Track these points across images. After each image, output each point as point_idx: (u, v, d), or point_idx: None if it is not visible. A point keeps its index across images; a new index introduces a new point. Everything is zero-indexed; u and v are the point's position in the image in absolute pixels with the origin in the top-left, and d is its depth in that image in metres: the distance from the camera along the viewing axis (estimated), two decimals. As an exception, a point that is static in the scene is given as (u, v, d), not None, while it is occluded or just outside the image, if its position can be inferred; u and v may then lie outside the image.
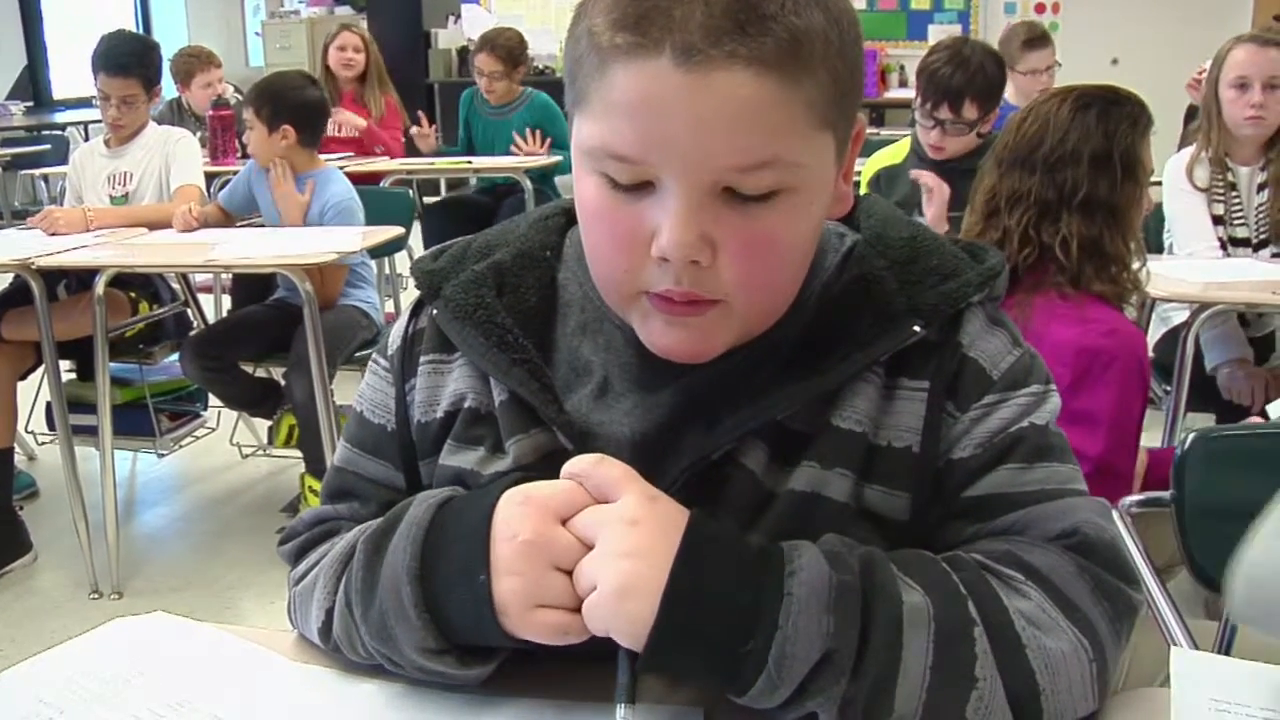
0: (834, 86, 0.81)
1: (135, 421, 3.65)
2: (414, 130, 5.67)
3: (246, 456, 3.94)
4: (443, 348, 0.99)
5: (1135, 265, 1.90)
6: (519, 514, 0.81)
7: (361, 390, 1.05)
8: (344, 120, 5.50)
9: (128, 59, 3.77)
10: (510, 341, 0.93)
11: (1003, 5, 8.55)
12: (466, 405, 0.95)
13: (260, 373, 3.65)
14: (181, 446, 3.82)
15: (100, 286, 3.03)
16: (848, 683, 0.76)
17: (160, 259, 3.34)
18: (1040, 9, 8.59)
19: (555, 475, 0.84)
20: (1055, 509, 0.87)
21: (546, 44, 8.41)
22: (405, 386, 1.00)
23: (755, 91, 0.77)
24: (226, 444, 3.94)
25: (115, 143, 3.90)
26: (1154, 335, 2.91)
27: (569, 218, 1.02)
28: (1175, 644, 1.55)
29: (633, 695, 0.80)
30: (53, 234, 3.54)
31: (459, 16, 8.71)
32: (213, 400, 3.90)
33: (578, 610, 0.79)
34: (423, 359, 0.99)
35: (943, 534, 0.90)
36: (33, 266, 3.06)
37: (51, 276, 3.47)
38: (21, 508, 3.56)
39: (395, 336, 1.03)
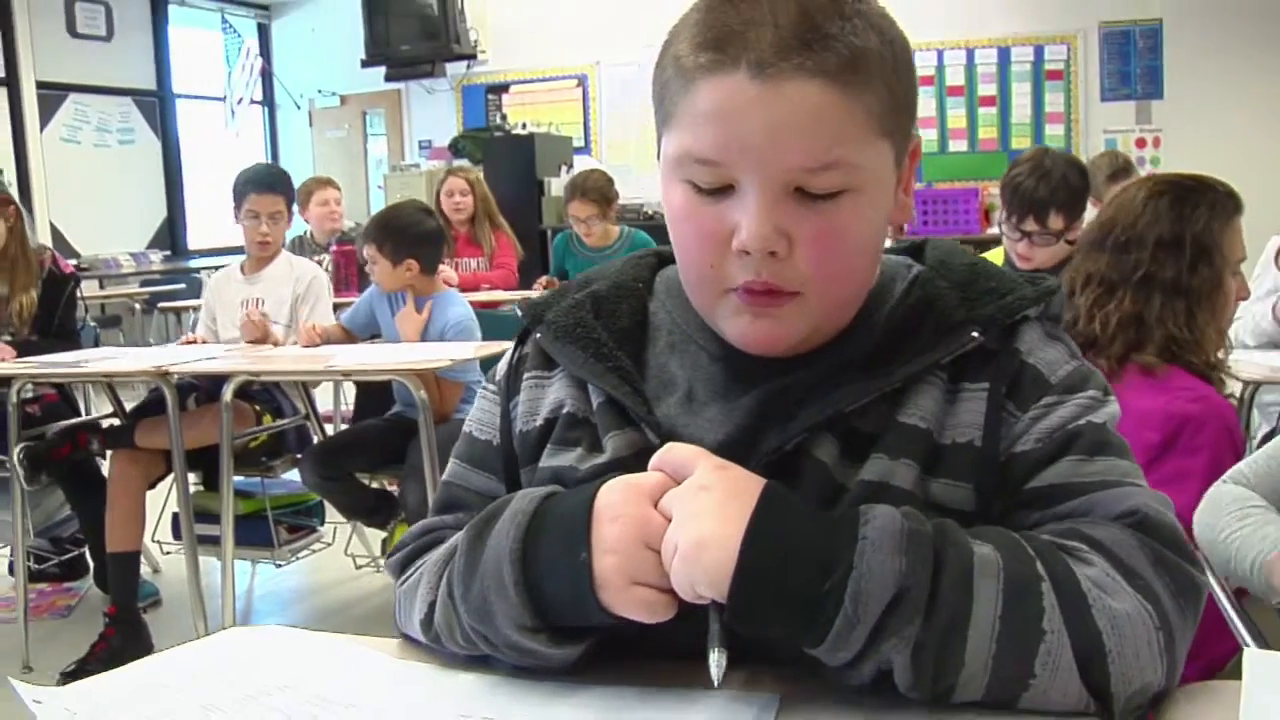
0: (890, 98, 0.92)
1: (255, 532, 3.76)
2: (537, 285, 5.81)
3: (360, 568, 4.02)
4: (544, 365, 1.09)
5: (1219, 351, 1.92)
6: (620, 498, 0.88)
7: (471, 414, 1.15)
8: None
9: (274, 178, 4.12)
10: (605, 354, 1.03)
11: (1104, 140, 8.60)
12: (565, 411, 1.04)
13: (376, 484, 3.76)
14: (298, 558, 3.92)
15: (228, 394, 3.18)
16: (921, 623, 0.79)
17: (283, 369, 3.49)
18: (1141, 143, 8.63)
19: (645, 469, 0.92)
20: (1116, 494, 0.91)
21: (654, 189, 8.61)
22: (510, 404, 1.10)
23: (821, 99, 0.88)
24: (342, 558, 4.04)
25: (250, 269, 4.12)
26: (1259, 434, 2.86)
27: (660, 259, 1.13)
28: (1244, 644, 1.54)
29: (724, 641, 0.83)
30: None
31: (571, 165, 9.01)
32: (329, 515, 4.02)
33: (669, 592, 0.85)
34: (526, 377, 1.09)
35: (1008, 523, 0.93)
36: (166, 373, 3.22)
37: (183, 390, 3.66)
38: (145, 610, 3.68)
39: (503, 363, 1.14)
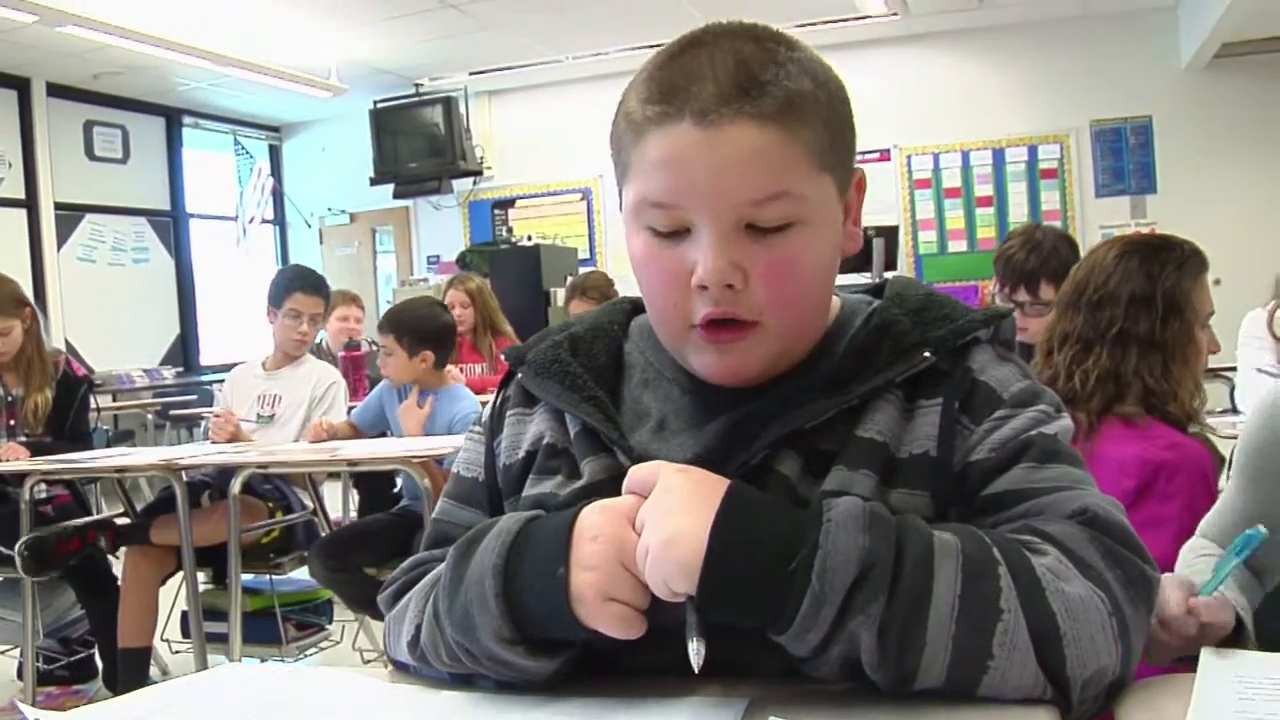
0: (827, 135, 1.00)
1: (263, 629, 3.78)
2: None
3: (368, 662, 4.03)
4: (525, 403, 1.16)
5: (1194, 399, 1.97)
6: (599, 519, 0.94)
7: (459, 455, 1.22)
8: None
9: (320, 281, 4.26)
10: (581, 385, 1.11)
11: (1100, 234, 8.68)
12: (545, 441, 1.11)
13: (383, 577, 3.77)
14: (306, 656, 3.93)
15: (236, 486, 3.24)
16: (885, 601, 0.83)
17: (290, 460, 3.55)
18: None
19: (620, 492, 0.97)
20: (1067, 496, 0.95)
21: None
22: (494, 442, 1.17)
23: (760, 138, 0.95)
24: (350, 654, 4.04)
25: (273, 365, 4.22)
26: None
27: (634, 306, 1.21)
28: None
29: (702, 631, 0.88)
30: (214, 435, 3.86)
31: (576, 275, 9.12)
32: (338, 615, 4.03)
33: (642, 611, 0.91)
34: (509, 414, 1.17)
35: None
36: (176, 467, 3.28)
37: (196, 487, 3.72)
38: (152, 710, 3.67)
39: (488, 406, 1.22)
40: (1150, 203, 8.93)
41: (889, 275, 1.19)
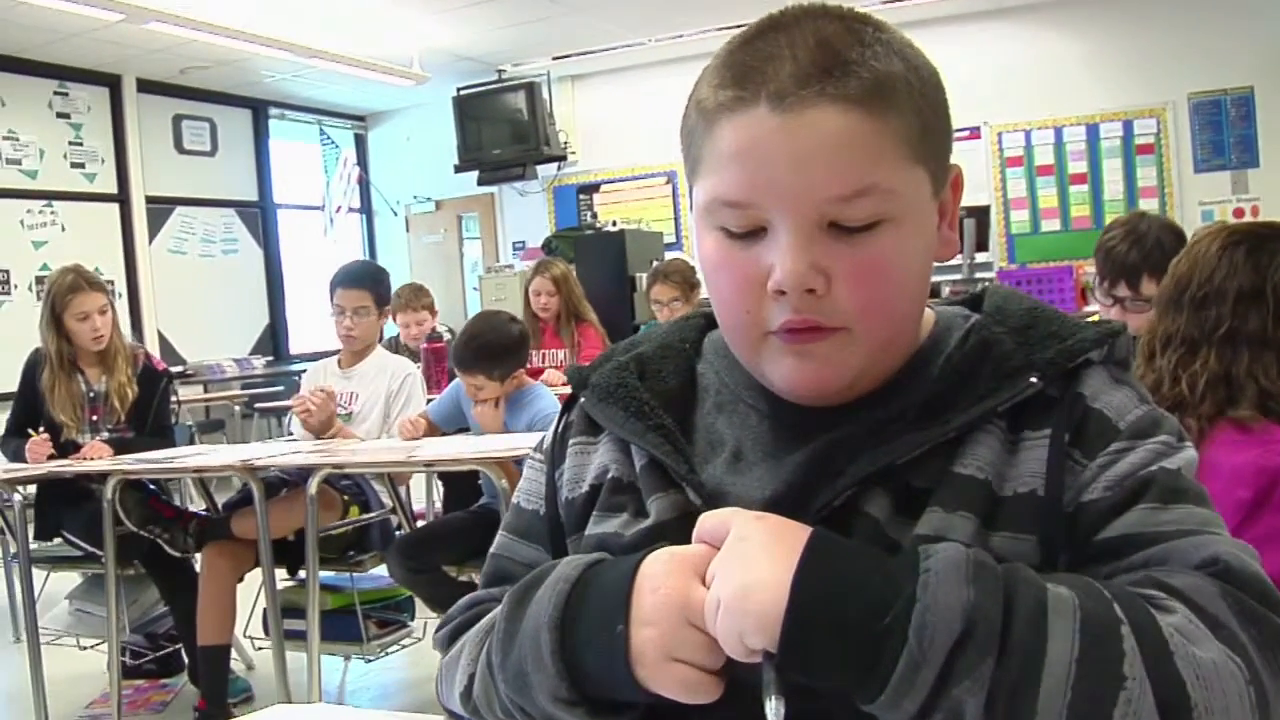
0: (919, 123, 0.88)
1: (344, 627, 3.76)
2: None
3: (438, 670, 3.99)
4: (589, 430, 1.06)
5: None
6: (663, 570, 0.84)
7: (519, 485, 1.12)
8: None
9: (360, 275, 4.24)
10: (647, 413, 1.00)
11: (1200, 212, 8.44)
12: (610, 476, 1.01)
13: (464, 577, 3.74)
14: (387, 653, 3.91)
15: (313, 487, 3.21)
16: (993, 663, 0.73)
17: (367, 460, 3.52)
18: (1239, 214, 8.42)
19: (691, 533, 0.87)
20: (1194, 542, 0.83)
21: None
22: (555, 473, 1.07)
23: (845, 124, 0.85)
24: (433, 652, 3.99)
25: (347, 361, 4.21)
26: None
27: (708, 320, 1.09)
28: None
29: (781, 689, 0.78)
30: (303, 412, 3.88)
31: (662, 260, 9.05)
32: (420, 611, 4.01)
33: (713, 673, 0.82)
34: (571, 443, 1.07)
35: None
36: (253, 468, 3.27)
37: (274, 484, 3.72)
38: (236, 706, 3.70)
39: (549, 432, 1.12)
40: (1252, 177, 8.59)
41: (985, 283, 1.04)
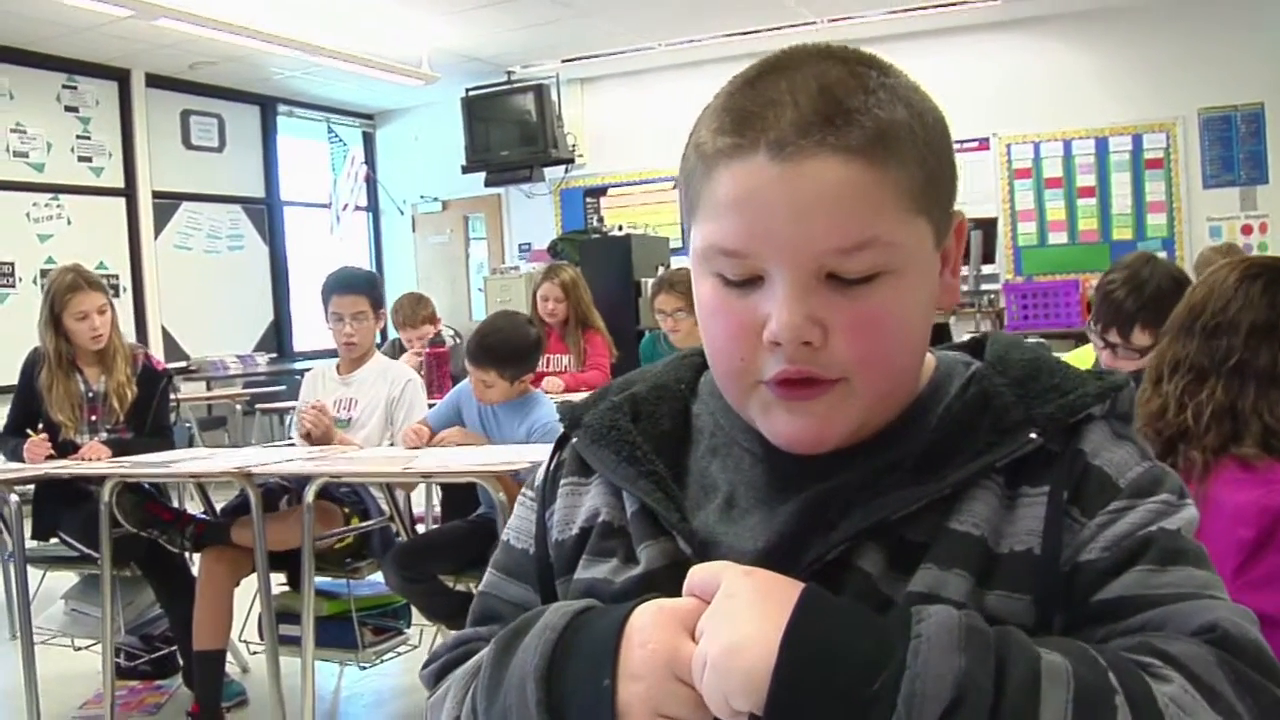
0: (922, 173, 0.86)
1: (339, 634, 3.74)
2: None
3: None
4: (581, 471, 1.04)
5: None
6: (651, 623, 0.82)
7: (510, 522, 1.10)
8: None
9: (356, 280, 4.22)
10: (639, 457, 0.98)
11: (1208, 228, 8.42)
12: (600, 519, 0.99)
13: (461, 586, 3.73)
14: (382, 660, 3.89)
15: (310, 495, 3.20)
16: None
17: (364, 470, 3.51)
18: (1247, 230, 8.41)
19: (681, 582, 0.85)
20: (1192, 607, 0.81)
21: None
22: (546, 513, 1.05)
23: (845, 175, 0.82)
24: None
25: (345, 368, 4.20)
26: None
27: (704, 360, 1.07)
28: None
29: None
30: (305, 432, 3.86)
31: (668, 266, 9.05)
32: (416, 618, 3.99)
33: None
34: (563, 483, 1.04)
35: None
36: (249, 474, 3.26)
37: (274, 491, 3.71)
38: (230, 710, 3.69)
39: (541, 469, 1.09)
40: (1261, 194, 8.58)
41: (988, 330, 1.00)
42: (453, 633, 1.10)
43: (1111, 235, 8.89)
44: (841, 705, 0.74)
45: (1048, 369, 0.94)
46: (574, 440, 1.05)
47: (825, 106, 0.83)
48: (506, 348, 3.79)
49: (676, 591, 0.86)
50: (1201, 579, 0.84)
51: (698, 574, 0.84)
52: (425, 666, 1.07)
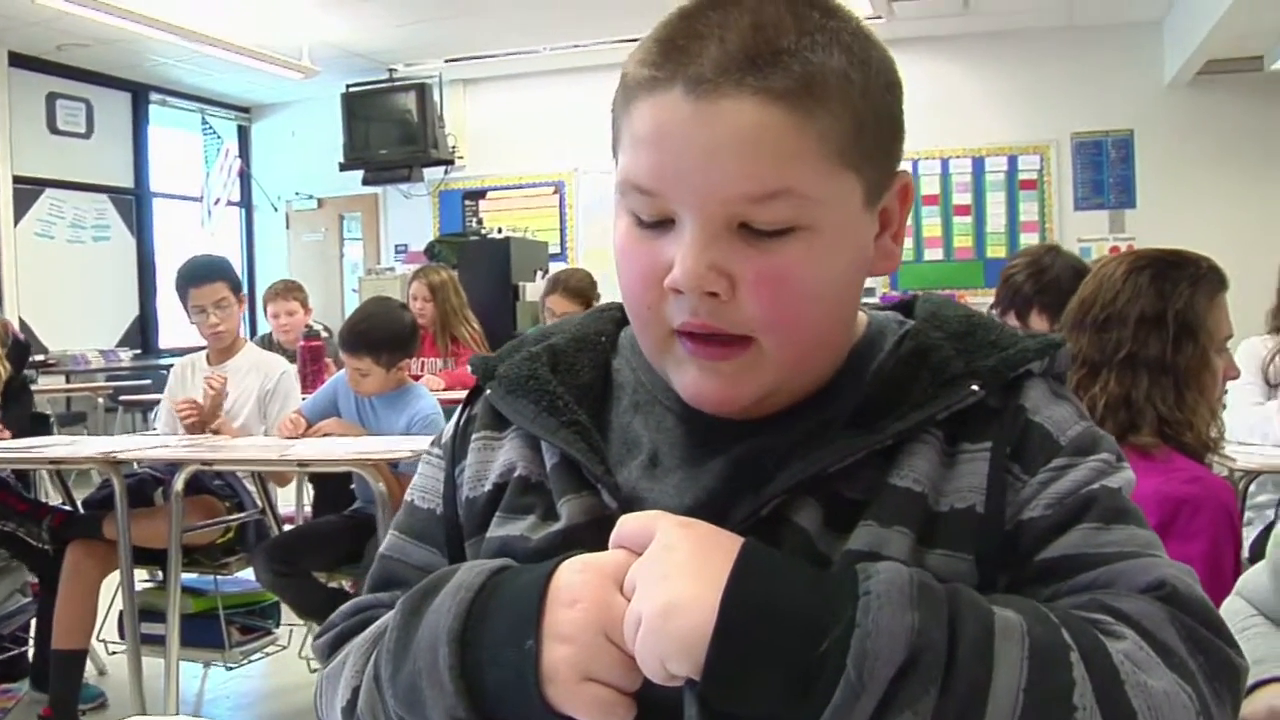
0: (853, 124, 0.81)
1: (205, 632, 3.60)
2: None
3: (315, 671, 3.86)
4: (495, 425, 0.98)
5: (1211, 430, 1.84)
6: (580, 580, 0.77)
7: (414, 481, 1.04)
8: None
9: (210, 268, 4.03)
10: (560, 408, 0.93)
11: (1078, 248, 8.64)
12: (516, 474, 0.93)
13: (334, 583, 3.62)
14: (250, 661, 3.76)
15: (179, 483, 3.07)
16: (937, 695, 0.67)
17: (238, 457, 3.38)
18: (1115, 251, 8.64)
19: (605, 540, 0.81)
20: (1138, 565, 0.80)
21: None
22: (455, 470, 0.99)
23: (762, 119, 0.78)
24: (297, 661, 3.88)
25: (216, 358, 4.05)
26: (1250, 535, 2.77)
27: (624, 313, 1.02)
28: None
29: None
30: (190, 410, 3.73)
31: (546, 270, 9.00)
32: (285, 616, 3.87)
33: (629, 694, 0.75)
34: (474, 438, 0.98)
35: None
36: (116, 461, 3.11)
37: (148, 482, 3.55)
38: (85, 714, 3.51)
39: (449, 425, 1.03)
40: (1129, 217, 8.89)
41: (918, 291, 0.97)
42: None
43: (986, 253, 9.10)
44: (786, 668, 0.70)
45: (984, 325, 0.92)
46: (487, 392, 0.98)
47: (753, 45, 0.79)
48: (381, 333, 3.70)
49: (599, 549, 0.80)
50: (1145, 538, 0.83)
51: (629, 523, 0.79)
52: (318, 636, 1.00)
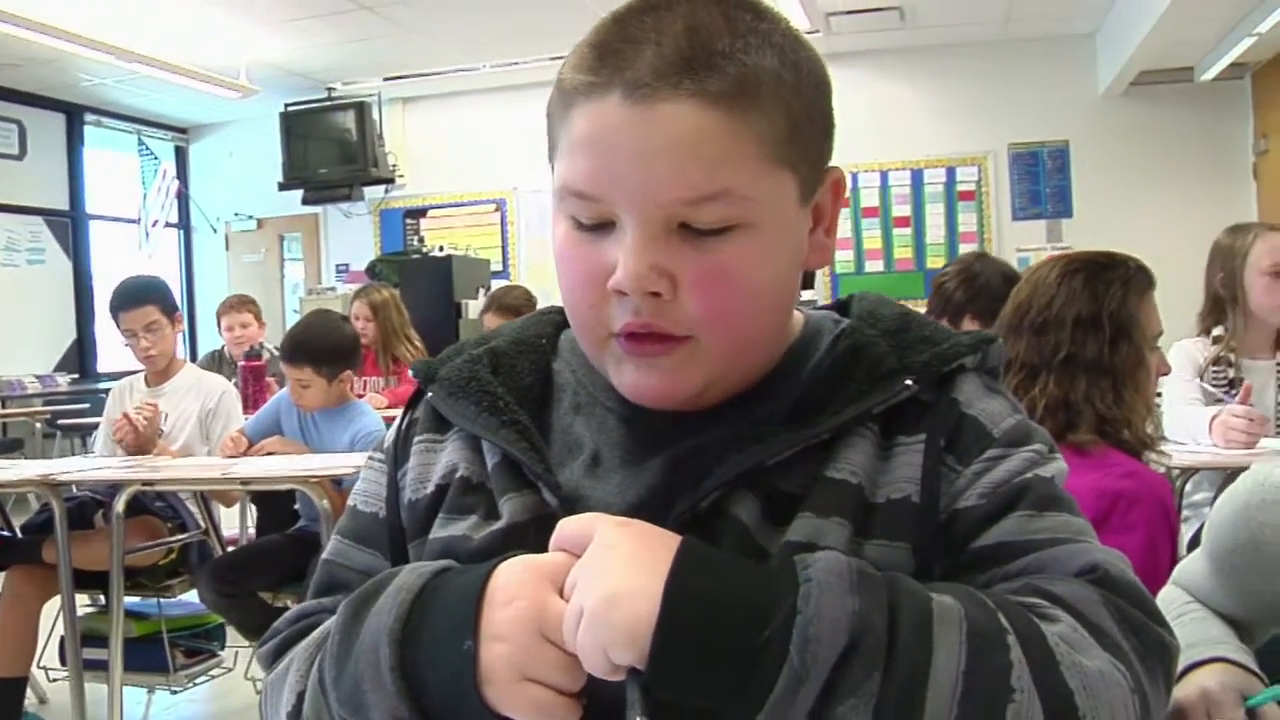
0: (787, 124, 0.84)
1: (149, 656, 3.55)
2: None
3: (260, 692, 3.81)
4: (436, 428, 0.99)
5: (1147, 426, 1.87)
6: (517, 580, 0.78)
7: (357, 486, 1.04)
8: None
9: (140, 291, 3.97)
10: (501, 408, 0.94)
11: (1017, 258, 8.73)
12: (459, 475, 0.94)
13: (279, 603, 3.58)
14: (195, 684, 3.71)
15: (120, 504, 3.03)
16: (880, 679, 0.68)
17: (179, 476, 3.34)
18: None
19: (547, 539, 0.81)
20: (1071, 550, 0.82)
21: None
22: (398, 473, 0.99)
23: (699, 123, 0.80)
24: (243, 684, 3.83)
25: (154, 379, 4.00)
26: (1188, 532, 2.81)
27: (565, 317, 1.02)
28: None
29: (648, 711, 0.72)
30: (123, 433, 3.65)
31: (488, 288, 8.99)
32: (230, 640, 3.82)
33: (569, 695, 0.75)
34: (416, 441, 0.99)
35: None
36: (55, 484, 3.06)
37: (88, 505, 3.50)
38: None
39: (392, 430, 1.04)
40: (1066, 226, 9.01)
41: (854, 292, 0.99)
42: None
43: (926, 264, 9.17)
44: (730, 655, 0.70)
45: (918, 322, 0.94)
46: (429, 395, 0.99)
47: (688, 49, 0.80)
48: (320, 342, 3.69)
49: (541, 548, 0.81)
50: (1077, 525, 0.85)
51: (568, 526, 0.80)
52: (262, 643, 0.99)
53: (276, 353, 5.70)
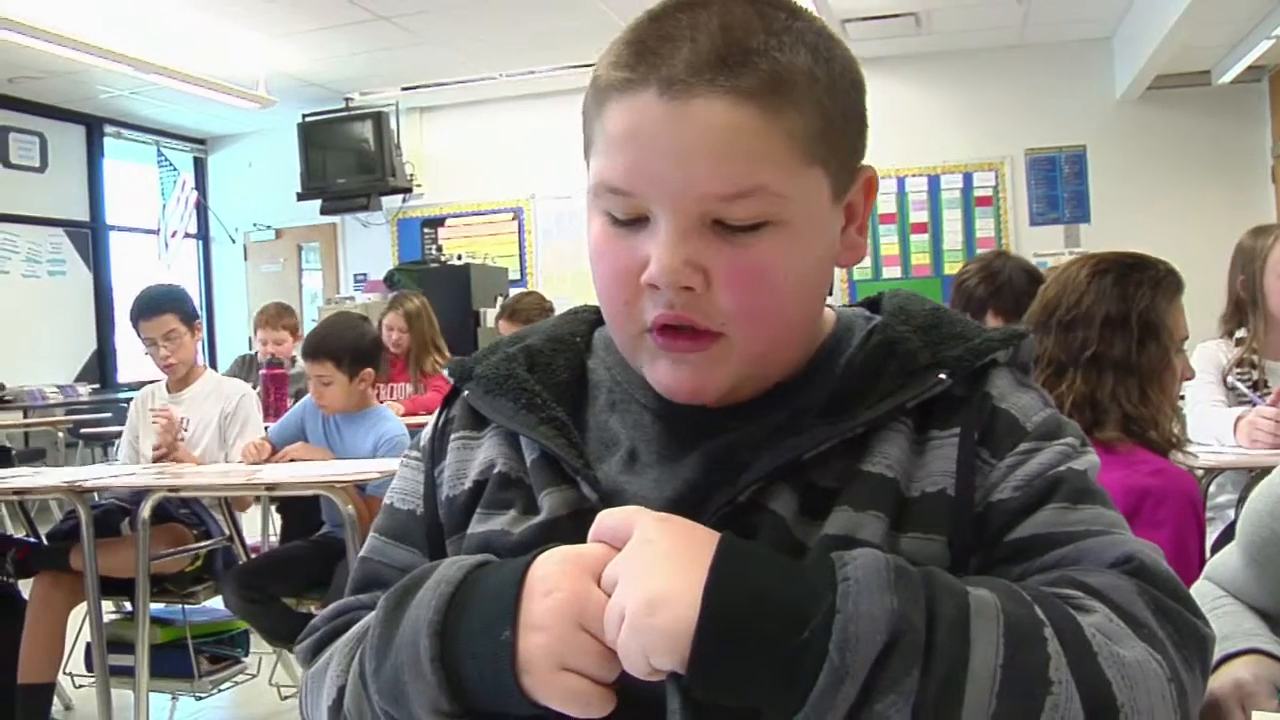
0: (820, 122, 0.84)
1: (174, 662, 3.57)
2: None
3: (286, 699, 3.83)
4: (473, 425, 1.00)
5: (1173, 425, 1.88)
6: (556, 571, 0.79)
7: (393, 484, 1.05)
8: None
9: (159, 300, 4.00)
10: (538, 404, 0.95)
11: (1034, 262, 8.76)
12: (497, 470, 0.95)
13: (303, 608, 3.60)
14: (220, 690, 3.73)
15: (145, 510, 3.05)
16: (919, 675, 0.69)
17: (205, 482, 3.36)
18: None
19: (586, 533, 0.82)
20: (1106, 542, 0.83)
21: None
22: (435, 470, 1.00)
23: (733, 119, 0.81)
24: (267, 689, 3.85)
25: (174, 386, 4.02)
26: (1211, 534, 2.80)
27: (598, 314, 1.04)
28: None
29: (690, 712, 0.73)
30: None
31: (507, 296, 9.00)
32: (255, 645, 3.84)
33: (606, 685, 0.76)
34: (453, 438, 1.00)
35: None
36: (81, 490, 3.09)
37: (114, 512, 3.52)
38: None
39: (428, 428, 1.05)
40: (1084, 231, 8.98)
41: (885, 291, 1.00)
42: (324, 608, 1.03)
43: (943, 270, 9.15)
44: (770, 656, 0.71)
45: (949, 319, 0.95)
46: (465, 393, 1.00)
47: (723, 46, 0.81)
48: (340, 339, 3.72)
49: (579, 541, 0.82)
50: (1111, 517, 0.86)
51: (608, 518, 0.81)
52: (301, 640, 1.00)
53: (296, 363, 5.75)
